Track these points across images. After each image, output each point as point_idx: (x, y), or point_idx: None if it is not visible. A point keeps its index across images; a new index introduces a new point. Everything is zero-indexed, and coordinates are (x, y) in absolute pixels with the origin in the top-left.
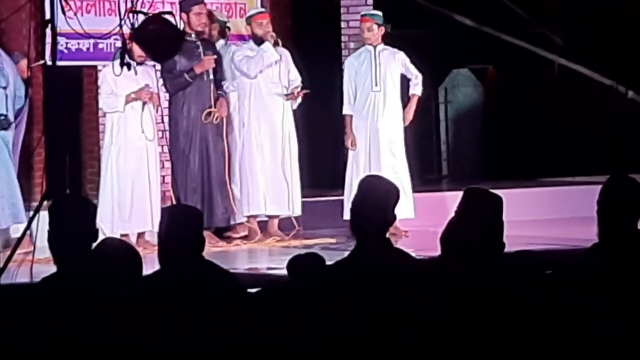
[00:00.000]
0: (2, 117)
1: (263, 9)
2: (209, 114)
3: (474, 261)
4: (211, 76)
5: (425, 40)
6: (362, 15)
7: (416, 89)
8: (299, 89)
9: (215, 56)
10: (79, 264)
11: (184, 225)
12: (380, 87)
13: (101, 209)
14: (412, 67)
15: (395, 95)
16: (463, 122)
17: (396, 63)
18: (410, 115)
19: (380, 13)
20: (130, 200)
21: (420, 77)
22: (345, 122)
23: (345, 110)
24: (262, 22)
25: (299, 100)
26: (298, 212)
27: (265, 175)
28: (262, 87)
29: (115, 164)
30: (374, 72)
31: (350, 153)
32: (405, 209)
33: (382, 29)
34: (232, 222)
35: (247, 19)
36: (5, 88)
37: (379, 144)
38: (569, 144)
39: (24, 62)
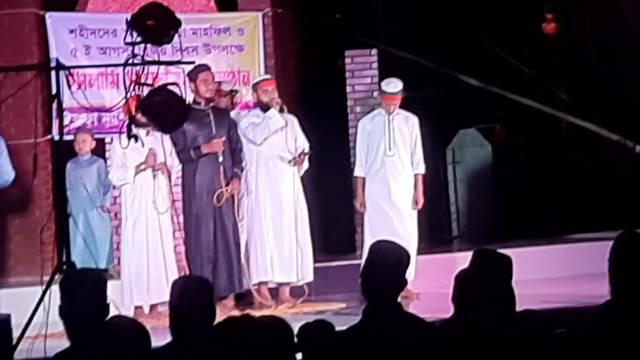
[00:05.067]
0: None
1: (269, 76)
2: (221, 194)
3: (485, 322)
4: (221, 159)
5: (432, 101)
6: (393, 93)
7: (419, 167)
8: (303, 154)
9: (224, 138)
10: (91, 339)
11: (194, 296)
12: (393, 152)
13: (122, 281)
14: (418, 139)
15: (407, 158)
16: (472, 182)
17: (408, 128)
18: (420, 198)
19: (401, 85)
20: (146, 271)
21: (421, 153)
22: (355, 183)
23: (357, 172)
24: (268, 88)
25: (305, 166)
26: (309, 278)
27: (274, 242)
28: (268, 154)
29: (131, 235)
30: (387, 137)
31: (366, 217)
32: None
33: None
34: (244, 289)
35: (252, 85)
36: None
37: (393, 208)
38: (578, 201)
39: None
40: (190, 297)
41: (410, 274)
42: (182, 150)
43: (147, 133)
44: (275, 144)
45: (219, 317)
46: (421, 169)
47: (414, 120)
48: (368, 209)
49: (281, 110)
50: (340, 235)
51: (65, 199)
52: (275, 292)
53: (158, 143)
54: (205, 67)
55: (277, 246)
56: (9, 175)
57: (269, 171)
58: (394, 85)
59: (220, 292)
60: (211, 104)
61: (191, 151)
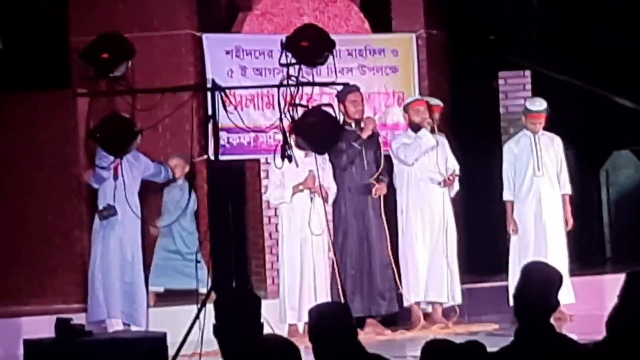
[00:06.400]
0: (109, 207)
1: (420, 97)
2: (372, 185)
3: (636, 344)
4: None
5: (586, 122)
6: (538, 111)
7: (566, 187)
8: (454, 175)
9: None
10: (244, 358)
11: (332, 322)
12: (542, 172)
13: (279, 300)
14: (563, 160)
15: (555, 179)
16: (625, 204)
17: (554, 148)
18: (570, 218)
19: (545, 103)
20: (299, 290)
21: (566, 174)
22: (506, 207)
23: (506, 196)
24: (419, 108)
25: (456, 187)
26: (458, 299)
27: (425, 263)
28: (419, 175)
29: (287, 255)
30: (535, 157)
31: (513, 238)
32: (566, 294)
33: None
34: (396, 310)
35: (404, 106)
36: (115, 179)
37: (544, 229)
38: None
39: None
40: (328, 324)
41: (570, 297)
42: (344, 149)
43: (306, 154)
44: (426, 165)
45: (368, 336)
46: (568, 189)
47: (558, 140)
48: (519, 232)
49: (432, 131)
50: (492, 256)
51: (222, 216)
52: (427, 313)
53: (315, 164)
54: (354, 88)
55: (428, 266)
56: (161, 168)
57: (420, 192)
58: (538, 103)
59: (364, 312)
60: (360, 125)
61: (353, 144)
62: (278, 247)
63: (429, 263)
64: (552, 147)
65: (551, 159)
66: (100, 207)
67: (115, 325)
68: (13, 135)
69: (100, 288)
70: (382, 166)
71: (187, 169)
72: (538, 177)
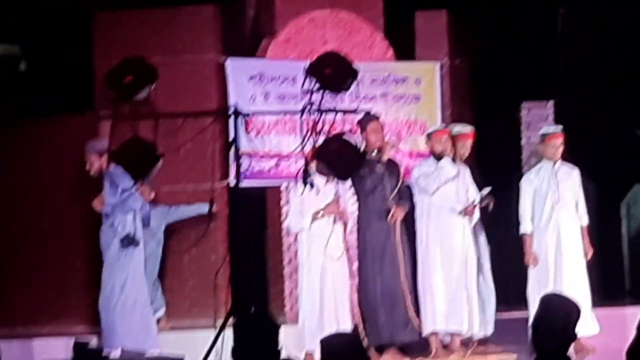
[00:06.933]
0: (129, 235)
1: (443, 125)
2: (395, 203)
3: None
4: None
5: (607, 154)
6: (555, 132)
7: (584, 219)
8: (474, 205)
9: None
10: None
11: (343, 353)
12: (562, 203)
13: (299, 327)
14: (581, 191)
15: (573, 209)
16: None
17: (572, 180)
18: (589, 248)
19: (561, 126)
20: (318, 317)
21: (584, 204)
22: (524, 240)
23: (525, 229)
24: (442, 138)
25: (477, 216)
26: (477, 330)
27: (444, 293)
28: (440, 205)
29: (306, 282)
30: (555, 188)
31: (532, 269)
32: (588, 325)
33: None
34: (417, 338)
35: (427, 135)
36: (136, 210)
37: (564, 261)
38: None
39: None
40: (339, 354)
41: (593, 328)
42: (366, 174)
43: (326, 182)
44: (446, 195)
45: None
46: (586, 220)
47: (576, 172)
48: (539, 263)
49: (454, 160)
50: (512, 287)
51: (242, 242)
52: (446, 343)
53: (336, 191)
54: (374, 117)
55: (447, 297)
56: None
57: (440, 222)
58: (553, 128)
59: (387, 339)
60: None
61: (377, 164)
62: (297, 274)
63: (448, 293)
64: (571, 178)
65: (570, 190)
66: (123, 234)
67: (114, 355)
68: (35, 158)
69: (119, 314)
70: (399, 185)
71: (152, 195)
72: (557, 209)
